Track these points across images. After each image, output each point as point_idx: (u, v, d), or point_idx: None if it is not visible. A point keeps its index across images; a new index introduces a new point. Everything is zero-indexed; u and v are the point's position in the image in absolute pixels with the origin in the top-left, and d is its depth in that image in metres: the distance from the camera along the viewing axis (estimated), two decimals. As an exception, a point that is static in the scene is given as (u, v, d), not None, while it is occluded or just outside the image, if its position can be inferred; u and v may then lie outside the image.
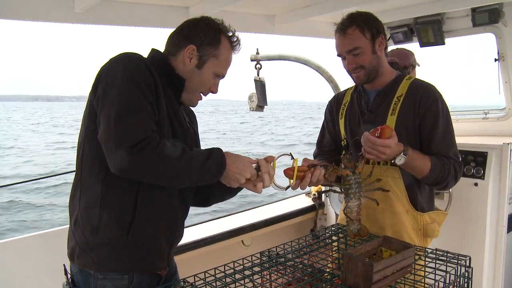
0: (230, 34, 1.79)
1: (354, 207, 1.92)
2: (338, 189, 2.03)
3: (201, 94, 1.81)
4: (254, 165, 1.71)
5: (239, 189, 1.82)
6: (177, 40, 1.76)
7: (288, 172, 1.85)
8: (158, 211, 1.69)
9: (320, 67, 3.71)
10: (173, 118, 1.70)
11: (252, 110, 3.67)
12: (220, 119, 58.47)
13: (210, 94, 1.85)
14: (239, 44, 1.82)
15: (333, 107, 2.40)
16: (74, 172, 1.73)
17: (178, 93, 1.76)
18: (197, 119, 2.04)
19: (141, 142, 1.44)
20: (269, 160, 1.75)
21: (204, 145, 1.87)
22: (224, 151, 1.66)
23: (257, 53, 3.53)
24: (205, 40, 1.72)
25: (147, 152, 1.45)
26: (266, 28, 3.31)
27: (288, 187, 1.85)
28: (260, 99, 3.59)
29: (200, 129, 2.03)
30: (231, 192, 1.88)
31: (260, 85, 3.56)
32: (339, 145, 2.36)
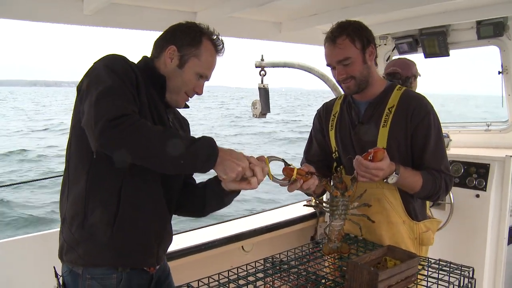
0: (214, 37, 1.81)
1: (336, 227, 1.92)
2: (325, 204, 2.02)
3: (186, 95, 1.81)
4: None
5: (234, 194, 1.79)
6: (160, 42, 1.81)
7: (286, 171, 1.82)
8: (143, 205, 1.69)
9: (325, 76, 3.71)
10: (155, 119, 1.70)
11: (256, 117, 3.68)
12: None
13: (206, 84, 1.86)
14: (223, 47, 1.84)
15: (322, 118, 2.37)
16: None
17: (162, 93, 1.77)
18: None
19: (121, 117, 1.44)
20: (261, 159, 1.71)
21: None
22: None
23: (262, 59, 3.54)
24: (186, 40, 1.75)
25: (126, 125, 1.43)
26: (273, 35, 3.32)
27: (288, 180, 1.78)
28: (264, 107, 3.59)
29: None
30: (226, 196, 1.81)
31: (264, 93, 3.57)
32: (328, 156, 2.32)
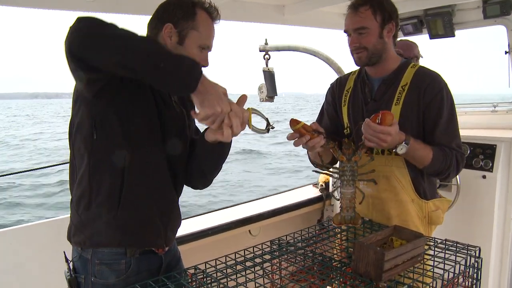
0: (206, 5, 1.76)
1: (347, 194, 1.93)
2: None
3: None
4: None
5: (220, 145, 1.70)
6: (154, 23, 1.76)
7: (293, 122, 1.86)
8: (147, 184, 1.70)
9: (329, 59, 3.69)
10: (158, 100, 1.71)
11: (262, 101, 3.66)
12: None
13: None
14: (218, 13, 1.80)
15: (335, 92, 2.36)
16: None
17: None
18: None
19: (90, 18, 1.42)
20: (242, 100, 1.61)
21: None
22: None
23: (266, 43, 3.52)
24: (180, 15, 1.70)
25: (95, 25, 1.41)
26: (276, 19, 3.29)
27: (267, 129, 1.71)
28: (270, 90, 3.58)
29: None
30: (212, 149, 1.74)
31: (269, 76, 3.56)
32: (339, 130, 2.32)
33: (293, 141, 1.91)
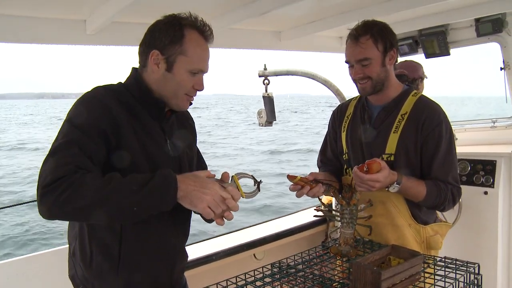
0: (197, 24, 1.64)
1: (346, 234, 1.97)
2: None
3: (187, 95, 1.68)
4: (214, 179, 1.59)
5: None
6: (142, 49, 1.67)
7: (290, 178, 1.92)
8: (146, 239, 1.65)
9: (328, 81, 3.74)
10: (145, 142, 1.61)
11: (262, 126, 3.71)
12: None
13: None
14: (211, 32, 1.67)
15: (336, 120, 2.38)
16: None
17: (161, 113, 1.69)
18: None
19: (54, 182, 1.36)
20: (225, 177, 1.62)
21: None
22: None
23: (265, 69, 3.57)
24: (167, 40, 1.59)
25: (59, 193, 1.35)
26: (273, 44, 3.36)
27: (258, 188, 1.71)
28: (269, 115, 3.63)
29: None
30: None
31: (268, 101, 3.60)
32: (340, 158, 2.34)
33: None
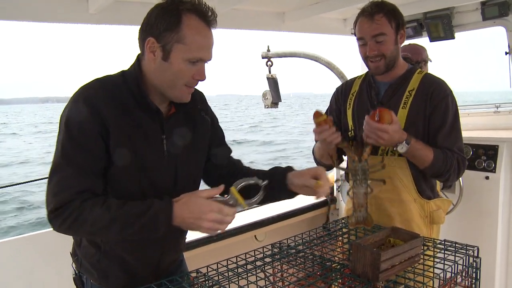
0: (199, 8, 1.50)
1: (359, 194, 1.96)
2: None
3: (186, 86, 1.57)
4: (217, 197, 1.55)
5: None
6: (140, 36, 1.55)
7: (316, 114, 1.96)
8: (128, 244, 1.67)
9: (331, 63, 3.73)
10: (140, 146, 1.57)
11: (267, 108, 3.71)
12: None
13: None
14: (213, 15, 1.52)
15: (340, 96, 2.40)
16: None
17: (158, 114, 1.60)
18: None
19: (57, 210, 1.45)
20: (220, 189, 1.58)
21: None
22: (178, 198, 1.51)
23: (268, 50, 3.56)
24: (162, 26, 1.46)
25: (63, 219, 1.45)
26: (276, 26, 3.34)
27: (259, 196, 1.63)
28: (274, 96, 3.62)
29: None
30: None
31: (272, 82, 3.60)
32: (343, 135, 2.33)
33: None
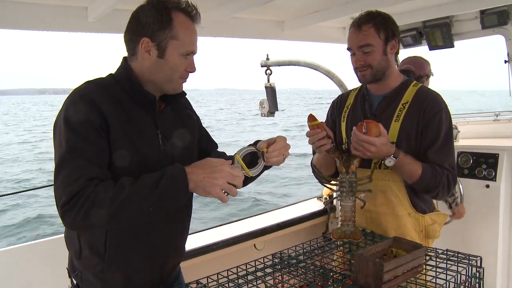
0: (183, 5, 1.60)
1: (346, 207, 1.96)
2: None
3: (180, 79, 1.66)
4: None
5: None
6: (129, 36, 1.62)
7: (311, 118, 1.97)
8: (133, 235, 1.64)
9: (330, 72, 3.72)
10: (135, 139, 1.59)
11: (264, 116, 3.70)
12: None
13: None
14: (197, 12, 1.63)
15: (335, 110, 2.39)
16: None
17: (152, 106, 1.66)
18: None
19: (69, 201, 1.41)
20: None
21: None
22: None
23: (267, 59, 3.56)
24: (155, 26, 1.55)
25: (78, 210, 1.40)
26: (276, 34, 3.34)
27: (261, 164, 1.68)
28: (271, 106, 3.62)
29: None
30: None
31: (270, 91, 3.59)
32: (336, 145, 2.28)
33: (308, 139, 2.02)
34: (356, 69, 2.13)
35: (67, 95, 1.58)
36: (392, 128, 2.07)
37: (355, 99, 2.29)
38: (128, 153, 1.56)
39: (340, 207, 2.00)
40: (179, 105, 1.83)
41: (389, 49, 2.08)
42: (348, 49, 2.13)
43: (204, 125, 2.02)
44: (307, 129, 2.04)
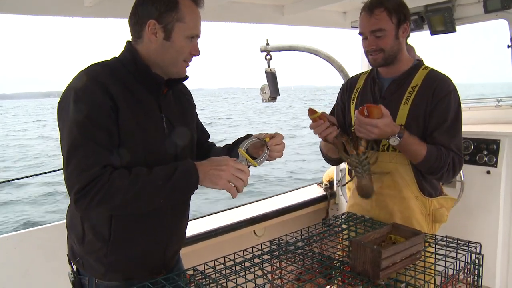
0: None
1: (367, 186, 2.04)
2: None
3: (184, 62, 1.69)
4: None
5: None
6: (135, 20, 1.63)
7: (311, 112, 2.00)
8: (136, 220, 1.65)
9: (330, 57, 3.68)
10: (142, 121, 1.61)
11: (265, 102, 3.68)
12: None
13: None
14: None
15: (345, 93, 2.39)
16: None
17: (159, 89, 1.68)
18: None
19: (87, 185, 1.43)
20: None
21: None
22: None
23: (267, 44, 3.52)
24: (162, 8, 1.57)
25: (95, 192, 1.43)
26: (275, 19, 3.30)
27: (266, 154, 1.73)
28: (272, 91, 3.59)
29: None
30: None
31: (271, 77, 3.56)
32: (347, 130, 2.31)
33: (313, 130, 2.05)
34: (367, 53, 2.13)
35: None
36: (400, 111, 2.08)
37: (365, 82, 2.30)
38: (136, 136, 1.58)
39: (355, 185, 2.06)
40: (178, 91, 1.85)
41: (401, 32, 2.08)
42: (360, 33, 2.12)
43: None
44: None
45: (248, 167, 1.63)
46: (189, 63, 1.71)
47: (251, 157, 1.69)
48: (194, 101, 1.98)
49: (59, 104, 1.56)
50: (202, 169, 1.54)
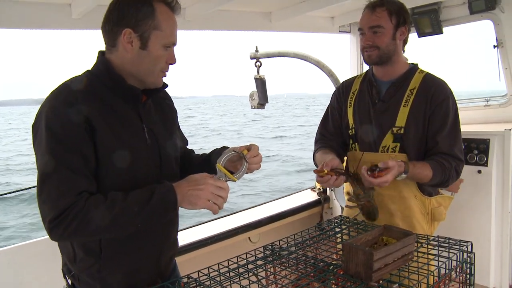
0: None
1: (371, 205, 2.10)
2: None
3: (161, 72, 1.63)
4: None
5: None
6: (109, 27, 1.55)
7: (319, 171, 2.01)
8: (127, 243, 1.62)
9: (320, 62, 3.70)
10: (123, 136, 1.56)
11: (254, 108, 3.69)
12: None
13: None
14: (176, 2, 1.59)
15: (341, 96, 2.41)
16: None
17: (136, 100, 1.62)
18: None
19: (58, 216, 1.39)
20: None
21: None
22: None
23: (257, 50, 3.54)
24: (138, 15, 1.50)
25: (68, 222, 1.39)
26: (263, 26, 3.32)
27: (244, 167, 1.67)
28: (261, 97, 3.60)
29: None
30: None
31: (260, 83, 3.58)
32: (344, 132, 2.38)
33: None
34: (363, 49, 2.19)
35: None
36: (401, 113, 2.13)
37: (361, 85, 2.34)
38: (118, 152, 1.53)
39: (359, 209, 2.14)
40: (157, 97, 1.79)
41: (399, 34, 2.14)
42: (359, 29, 2.20)
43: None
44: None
45: (227, 181, 1.59)
46: (166, 73, 1.66)
47: (229, 172, 1.63)
48: (174, 105, 1.92)
49: (32, 128, 1.52)
50: (180, 191, 1.50)
